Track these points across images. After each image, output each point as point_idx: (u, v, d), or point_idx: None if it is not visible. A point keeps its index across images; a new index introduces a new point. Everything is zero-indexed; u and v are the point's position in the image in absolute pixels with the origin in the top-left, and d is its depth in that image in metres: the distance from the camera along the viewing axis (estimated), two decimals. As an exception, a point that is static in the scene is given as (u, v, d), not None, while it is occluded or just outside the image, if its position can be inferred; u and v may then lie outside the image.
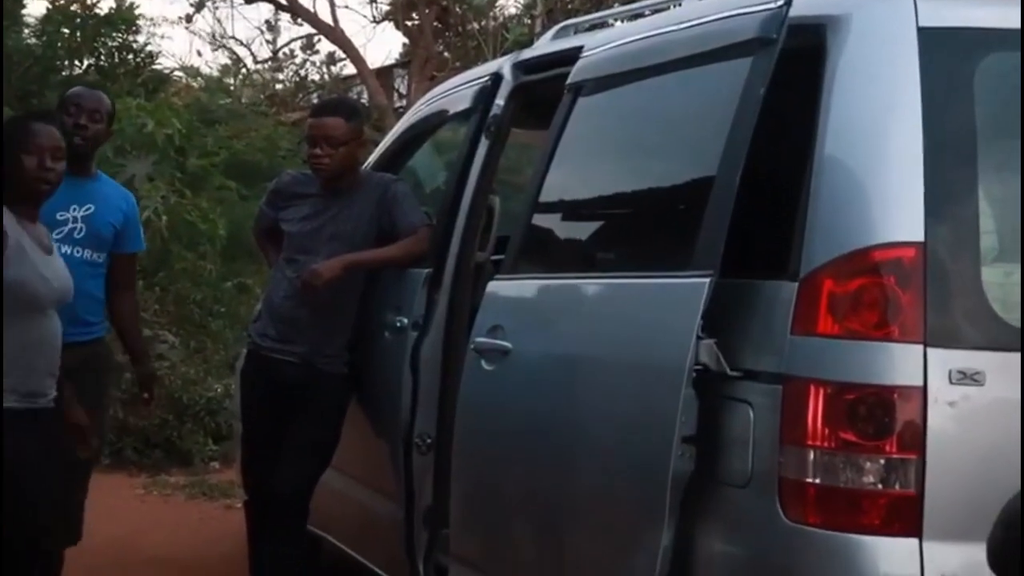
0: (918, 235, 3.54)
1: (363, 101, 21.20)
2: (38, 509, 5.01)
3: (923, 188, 3.55)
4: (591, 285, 4.58)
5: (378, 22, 23.83)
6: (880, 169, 3.64)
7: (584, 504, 4.23)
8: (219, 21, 29.50)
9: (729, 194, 3.78)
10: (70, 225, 5.86)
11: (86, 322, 5.88)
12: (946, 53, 3.69)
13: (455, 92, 6.40)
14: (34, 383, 5.01)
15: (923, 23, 3.69)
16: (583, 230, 5.00)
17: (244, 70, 23.71)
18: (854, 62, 3.76)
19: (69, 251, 5.80)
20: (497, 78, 5.89)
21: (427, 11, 21.72)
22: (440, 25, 22.62)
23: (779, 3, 3.86)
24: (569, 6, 19.16)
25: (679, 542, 3.77)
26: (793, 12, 3.84)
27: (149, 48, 15.70)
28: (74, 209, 5.88)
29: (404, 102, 23.41)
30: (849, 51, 3.77)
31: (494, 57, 14.81)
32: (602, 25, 5.76)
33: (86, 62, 15.07)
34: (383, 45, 54.97)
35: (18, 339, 4.90)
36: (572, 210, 5.04)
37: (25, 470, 4.89)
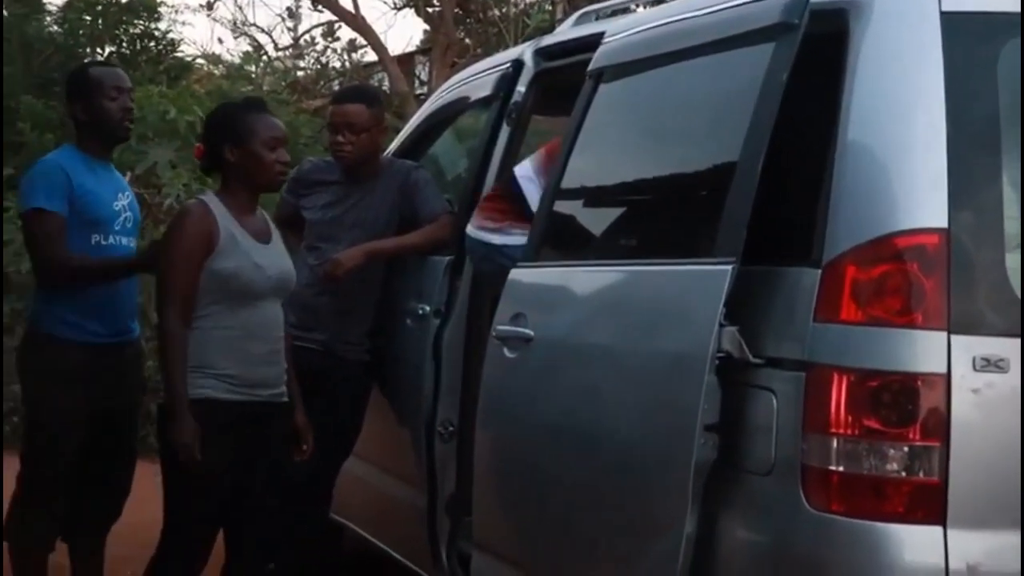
0: (942, 221, 3.52)
1: (384, 88, 21.19)
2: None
3: (947, 174, 3.53)
4: (613, 272, 4.57)
5: (399, 9, 23.80)
6: (903, 155, 3.62)
7: (607, 492, 4.22)
8: (240, 8, 29.55)
9: (751, 180, 3.76)
10: (123, 215, 5.78)
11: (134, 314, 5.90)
12: (969, 37, 3.67)
13: (476, 79, 6.40)
14: (253, 373, 5.03)
15: (946, 7, 3.67)
16: (605, 217, 4.98)
17: (265, 57, 23.67)
18: (877, 47, 3.73)
19: (128, 242, 5.76)
20: (518, 65, 5.88)
21: (448, -3, 21.69)
22: (461, 12, 22.58)
23: (801, -12, 3.85)
24: (590, -8, 19.08)
25: (702, 530, 3.76)
26: (816, -2, 3.83)
27: (171, 35, 15.66)
28: (120, 197, 5.80)
29: (425, 89, 23.39)
30: (872, 36, 3.74)
31: (515, 44, 14.78)
32: (624, 11, 5.75)
33: (108, 49, 15.06)
34: (404, 32, 55.12)
35: (232, 327, 4.99)
36: (594, 197, 5.02)
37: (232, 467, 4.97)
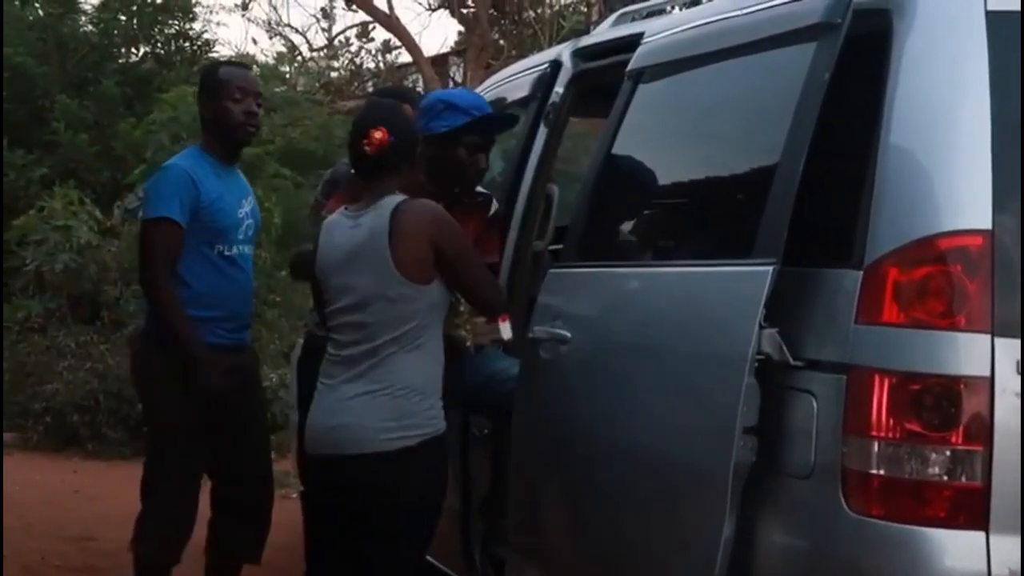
0: (985, 223, 3.48)
1: (418, 90, 21.21)
2: None
3: (991, 175, 3.50)
4: (651, 274, 4.54)
5: (433, 10, 23.88)
6: (947, 156, 3.58)
7: (645, 495, 4.19)
8: (275, 8, 29.57)
9: (792, 181, 3.73)
10: (246, 222, 5.71)
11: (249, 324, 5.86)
12: (1015, 37, 3.63)
13: (514, 80, 6.38)
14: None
15: (991, 7, 3.63)
16: (643, 218, 4.96)
17: (299, 58, 23.74)
18: (920, 47, 3.70)
19: (248, 251, 5.70)
20: (556, 65, 5.86)
21: (483, -1, 21.72)
22: (496, 13, 22.61)
23: (844, -13, 3.82)
24: (626, -6, 19.06)
25: (740, 533, 3.73)
26: (858, -3, 3.79)
27: (205, 36, 15.75)
28: (244, 203, 5.73)
29: (459, 90, 23.41)
30: (915, 36, 3.71)
31: (550, 45, 14.77)
32: (660, 12, 5.72)
33: (143, 49, 15.15)
34: (438, 33, 55.30)
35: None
36: (632, 198, 4.99)
37: None
